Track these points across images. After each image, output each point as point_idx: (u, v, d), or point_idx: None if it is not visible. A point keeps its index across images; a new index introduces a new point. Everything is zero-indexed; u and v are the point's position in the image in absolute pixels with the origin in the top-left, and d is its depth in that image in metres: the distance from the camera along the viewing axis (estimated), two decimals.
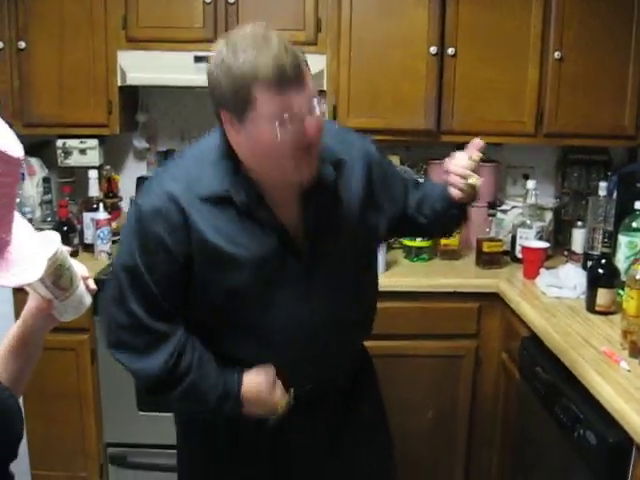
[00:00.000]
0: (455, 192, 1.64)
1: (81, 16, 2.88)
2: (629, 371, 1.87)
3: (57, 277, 1.14)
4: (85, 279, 1.24)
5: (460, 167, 1.62)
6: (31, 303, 1.22)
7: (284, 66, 1.33)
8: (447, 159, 1.68)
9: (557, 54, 2.90)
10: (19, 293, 2.33)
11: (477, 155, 1.63)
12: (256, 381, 1.58)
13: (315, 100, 1.41)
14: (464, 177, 1.61)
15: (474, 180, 1.61)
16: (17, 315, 1.27)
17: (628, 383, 1.80)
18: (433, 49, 2.88)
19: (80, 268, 1.24)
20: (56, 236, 1.17)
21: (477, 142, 1.65)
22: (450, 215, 1.74)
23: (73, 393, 2.84)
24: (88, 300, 1.25)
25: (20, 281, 0.96)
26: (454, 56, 2.91)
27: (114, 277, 1.57)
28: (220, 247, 1.48)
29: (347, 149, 1.64)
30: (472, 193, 1.65)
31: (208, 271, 1.50)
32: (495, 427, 2.80)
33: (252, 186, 1.49)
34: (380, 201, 1.70)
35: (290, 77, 1.34)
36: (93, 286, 1.27)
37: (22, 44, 2.87)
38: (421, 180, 1.95)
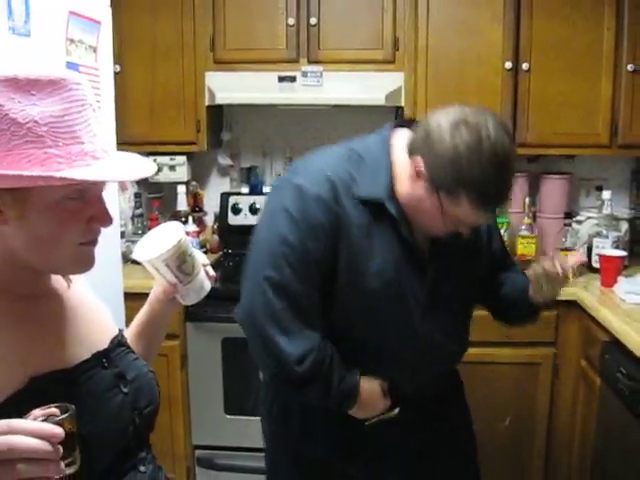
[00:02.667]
0: (533, 290, 1.72)
1: (172, 40, 3.07)
2: None
3: (181, 262, 1.29)
4: (205, 266, 1.38)
5: (549, 272, 1.68)
6: (158, 288, 1.35)
7: (499, 204, 1.54)
8: (543, 258, 1.76)
9: (630, 66, 2.94)
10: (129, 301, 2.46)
11: (573, 273, 1.68)
12: (372, 385, 1.70)
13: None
14: (549, 281, 1.68)
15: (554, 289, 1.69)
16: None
17: None
18: (508, 64, 2.97)
19: (200, 256, 1.38)
20: (180, 225, 1.32)
21: (580, 258, 1.74)
22: (523, 311, 1.84)
23: (163, 397, 2.89)
24: (208, 285, 1.38)
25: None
26: (528, 71, 2.99)
27: (260, 253, 1.61)
28: (361, 250, 1.59)
29: None
30: (548, 300, 1.74)
31: (347, 272, 1.59)
32: (574, 434, 2.82)
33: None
34: (491, 244, 1.84)
35: (495, 209, 1.55)
36: (212, 273, 1.40)
37: (117, 67, 3.06)
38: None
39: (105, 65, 2.31)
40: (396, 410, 1.74)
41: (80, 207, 1.03)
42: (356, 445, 1.78)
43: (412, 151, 1.54)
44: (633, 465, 2.19)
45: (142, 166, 1.11)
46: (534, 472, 2.96)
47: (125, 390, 1.15)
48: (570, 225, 3.10)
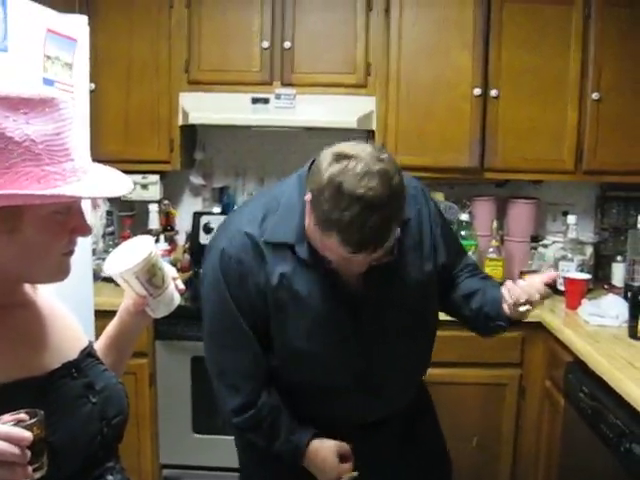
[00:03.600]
0: (507, 308, 1.64)
1: (147, 60, 3.11)
2: None
3: (152, 275, 1.31)
4: (174, 279, 1.40)
5: (523, 292, 1.61)
6: (128, 301, 1.37)
7: (367, 247, 1.42)
8: (518, 281, 1.66)
9: (595, 95, 3.03)
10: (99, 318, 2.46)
11: (546, 292, 1.63)
12: (325, 452, 1.68)
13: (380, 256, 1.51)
14: (521, 301, 1.60)
15: (526, 308, 1.61)
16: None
17: None
18: (477, 91, 3.04)
19: (170, 269, 1.40)
20: (150, 239, 1.34)
21: (553, 275, 1.71)
22: (495, 324, 1.75)
23: (131, 415, 2.90)
24: (177, 298, 1.41)
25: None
26: (497, 97, 3.06)
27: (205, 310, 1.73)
28: (283, 291, 1.61)
29: (412, 204, 1.69)
30: (522, 316, 1.67)
31: (277, 316, 1.63)
32: (539, 453, 2.87)
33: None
34: (437, 259, 1.77)
35: (366, 251, 1.44)
36: (182, 286, 1.42)
37: (92, 86, 3.08)
38: (481, 273, 1.95)
39: (80, 82, 2.33)
40: (354, 475, 1.69)
41: (66, 219, 1.09)
42: None
43: (307, 184, 1.51)
44: None
45: (122, 179, 1.15)
46: None
47: (94, 400, 1.17)
48: (536, 248, 3.16)
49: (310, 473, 1.71)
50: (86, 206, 2.61)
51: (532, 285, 1.62)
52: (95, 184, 1.09)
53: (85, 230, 1.13)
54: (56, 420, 1.05)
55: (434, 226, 1.75)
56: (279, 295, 1.61)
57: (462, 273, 1.87)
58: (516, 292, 1.61)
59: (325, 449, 1.68)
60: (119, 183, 1.15)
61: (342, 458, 1.69)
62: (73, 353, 1.19)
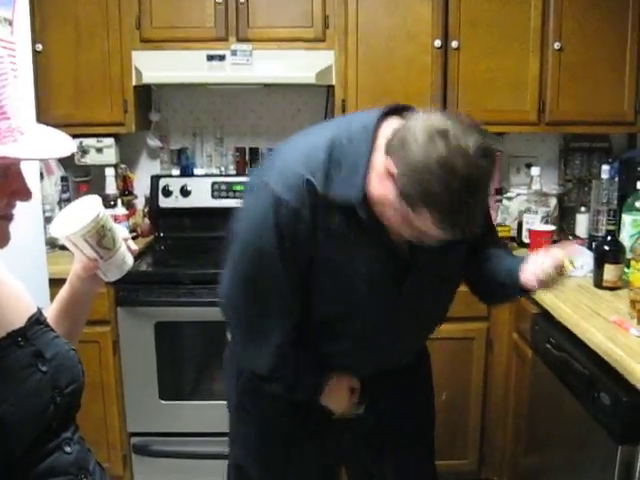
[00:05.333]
0: (528, 281, 1.63)
1: (96, 18, 2.98)
2: (639, 337, 1.96)
3: (101, 237, 1.25)
4: (126, 240, 1.34)
5: (546, 268, 1.60)
6: (77, 265, 1.31)
7: (458, 229, 1.39)
8: (543, 251, 1.67)
9: (557, 44, 2.99)
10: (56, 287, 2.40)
11: (569, 266, 1.61)
12: (340, 384, 1.75)
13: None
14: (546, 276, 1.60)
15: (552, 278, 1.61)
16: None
17: (639, 346, 1.89)
18: (437, 42, 2.98)
19: (121, 230, 1.34)
20: (98, 199, 1.27)
21: (576, 248, 1.70)
22: (509, 293, 1.79)
23: (96, 384, 2.90)
24: (130, 260, 1.35)
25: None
26: (457, 49, 3.01)
27: (237, 259, 1.62)
28: (338, 252, 1.55)
29: None
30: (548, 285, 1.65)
31: (325, 273, 1.57)
32: (508, 406, 2.88)
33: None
34: None
35: (454, 233, 1.40)
36: (134, 247, 1.36)
37: (39, 47, 2.96)
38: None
39: (22, 41, 2.22)
40: (362, 408, 1.79)
41: (4, 182, 1.02)
42: (321, 420, 1.80)
43: (387, 150, 1.43)
44: (563, 431, 2.25)
45: (65, 140, 1.08)
46: (470, 444, 3.01)
47: (43, 369, 1.11)
48: (501, 201, 3.14)
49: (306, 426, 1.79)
50: (36, 171, 2.53)
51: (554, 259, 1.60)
52: (33, 145, 1.01)
53: (24, 194, 1.05)
54: (3, 392, 1.01)
55: None
56: (328, 251, 1.54)
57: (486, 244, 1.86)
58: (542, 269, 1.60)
59: (339, 386, 1.75)
60: (60, 145, 1.07)
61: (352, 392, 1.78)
62: (19, 321, 1.13)
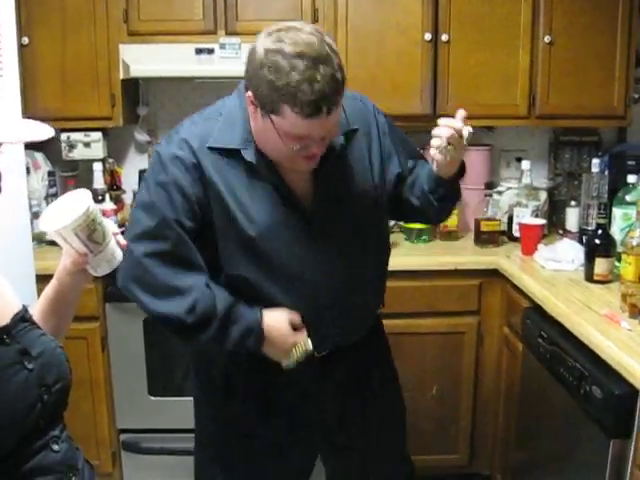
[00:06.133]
0: (437, 157, 1.63)
1: (83, 11, 2.93)
2: (630, 330, 1.96)
3: (91, 231, 1.23)
4: (115, 235, 1.32)
5: (442, 133, 1.60)
6: (66, 259, 1.29)
7: (322, 104, 1.40)
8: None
9: (547, 38, 2.98)
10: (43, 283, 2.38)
11: (467, 131, 1.62)
12: (278, 318, 1.67)
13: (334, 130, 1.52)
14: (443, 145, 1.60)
15: (450, 147, 1.60)
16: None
17: (630, 340, 1.89)
18: (427, 36, 2.96)
19: (111, 224, 1.32)
20: (87, 193, 1.25)
21: (462, 113, 1.63)
22: (439, 195, 1.76)
23: (84, 381, 2.87)
24: (119, 255, 1.33)
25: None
26: (448, 42, 2.99)
27: (133, 217, 1.68)
28: (228, 199, 1.59)
29: (360, 117, 1.72)
30: (453, 162, 1.66)
31: (220, 219, 1.61)
32: (499, 400, 2.88)
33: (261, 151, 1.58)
34: (390, 170, 1.79)
35: (322, 113, 1.42)
36: (123, 242, 1.35)
37: (25, 40, 2.92)
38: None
39: (8, 34, 2.19)
40: (309, 344, 1.69)
41: None
42: (274, 400, 1.79)
43: (246, 85, 1.51)
44: (555, 425, 2.24)
45: (41, 127, 1.06)
46: (461, 438, 3.00)
47: (30, 366, 1.09)
48: (491, 195, 3.13)
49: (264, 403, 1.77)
50: (23, 166, 2.50)
51: (448, 124, 1.60)
52: (7, 128, 0.99)
53: None
54: None
55: (383, 138, 1.77)
56: (221, 204, 1.59)
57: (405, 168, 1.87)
58: (435, 133, 1.61)
59: (278, 320, 1.67)
60: (36, 128, 1.05)
61: (294, 329, 1.70)
62: (3, 319, 1.11)
